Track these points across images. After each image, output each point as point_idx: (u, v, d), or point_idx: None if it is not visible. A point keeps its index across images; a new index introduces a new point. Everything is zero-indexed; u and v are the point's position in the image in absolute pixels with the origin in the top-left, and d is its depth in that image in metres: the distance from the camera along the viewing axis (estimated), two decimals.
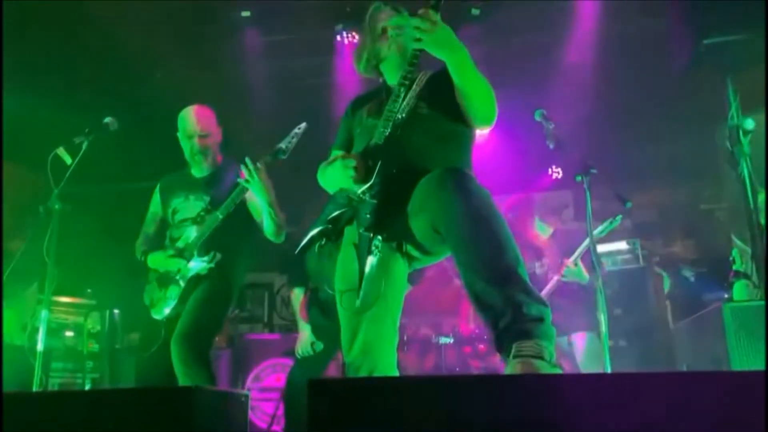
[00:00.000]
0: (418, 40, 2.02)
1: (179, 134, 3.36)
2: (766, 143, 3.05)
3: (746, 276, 3.32)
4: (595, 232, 3.83)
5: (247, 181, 3.00)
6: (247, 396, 2.01)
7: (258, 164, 2.99)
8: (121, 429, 1.66)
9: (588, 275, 4.03)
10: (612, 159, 5.17)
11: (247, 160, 3.00)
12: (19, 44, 4.46)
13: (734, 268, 3.36)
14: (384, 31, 2.42)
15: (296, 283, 4.20)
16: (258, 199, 3.08)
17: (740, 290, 3.29)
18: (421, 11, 2.01)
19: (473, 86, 2.14)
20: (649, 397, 1.28)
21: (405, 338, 5.10)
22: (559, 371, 1.68)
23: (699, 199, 6.97)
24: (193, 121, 3.30)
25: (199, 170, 3.38)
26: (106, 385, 5.05)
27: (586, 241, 3.79)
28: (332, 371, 4.71)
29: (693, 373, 1.60)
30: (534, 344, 1.66)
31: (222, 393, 2.03)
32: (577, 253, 3.99)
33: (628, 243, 5.10)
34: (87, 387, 4.91)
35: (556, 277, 4.08)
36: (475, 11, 4.74)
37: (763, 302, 2.68)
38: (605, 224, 3.89)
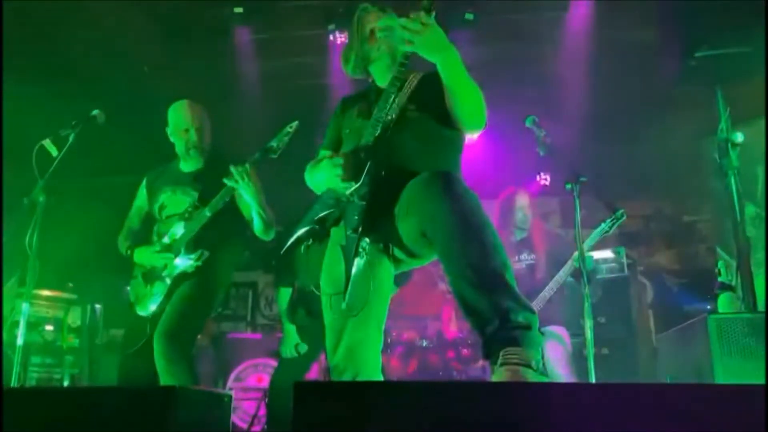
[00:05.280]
0: (409, 42, 1.99)
1: (170, 129, 3.29)
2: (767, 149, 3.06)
3: (731, 288, 3.33)
4: (601, 228, 3.74)
5: (236, 181, 2.94)
6: (230, 397, 1.98)
7: (246, 164, 2.93)
8: (101, 429, 1.63)
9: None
10: (599, 168, 5.20)
11: (232, 168, 2.93)
12: (4, 36, 4.40)
13: (720, 279, 3.38)
14: (372, 32, 2.39)
15: (282, 283, 4.17)
16: (247, 198, 3.04)
17: (725, 302, 3.31)
18: (412, 14, 1.98)
19: (463, 89, 2.12)
20: (634, 408, 1.28)
21: (389, 341, 5.09)
22: (545, 380, 1.68)
23: (681, 210, 7.04)
24: (188, 114, 3.25)
25: (188, 165, 3.32)
26: (85, 381, 4.99)
27: (598, 230, 3.71)
28: (314, 373, 4.69)
29: (678, 385, 1.61)
30: (521, 352, 1.65)
31: (205, 393, 2.00)
32: (589, 240, 3.83)
33: (612, 251, 5.11)
34: (65, 383, 4.85)
35: (560, 275, 3.97)
36: (469, 16, 4.74)
37: (748, 315, 2.70)
38: (608, 222, 3.76)
